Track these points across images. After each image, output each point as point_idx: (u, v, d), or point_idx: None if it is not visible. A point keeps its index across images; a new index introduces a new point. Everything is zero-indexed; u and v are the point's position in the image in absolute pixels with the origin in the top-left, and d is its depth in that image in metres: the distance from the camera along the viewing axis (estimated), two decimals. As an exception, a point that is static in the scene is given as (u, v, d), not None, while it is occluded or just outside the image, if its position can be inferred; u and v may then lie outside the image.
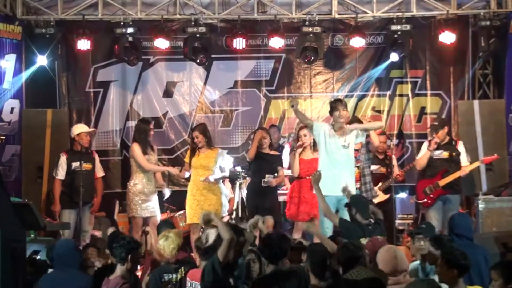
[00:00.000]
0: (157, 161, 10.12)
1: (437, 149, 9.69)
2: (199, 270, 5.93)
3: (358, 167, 9.39)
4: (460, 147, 9.83)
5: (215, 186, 9.54)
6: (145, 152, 9.73)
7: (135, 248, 6.09)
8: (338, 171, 8.58)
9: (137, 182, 9.73)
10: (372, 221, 7.30)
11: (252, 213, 9.49)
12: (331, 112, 8.77)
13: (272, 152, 9.84)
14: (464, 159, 9.76)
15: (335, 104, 8.73)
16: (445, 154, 9.67)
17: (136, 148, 9.77)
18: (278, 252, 6.03)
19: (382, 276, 5.16)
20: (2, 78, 11.13)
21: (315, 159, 9.26)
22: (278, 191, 10.05)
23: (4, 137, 7.26)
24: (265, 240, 6.28)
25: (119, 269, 6.01)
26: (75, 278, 6.14)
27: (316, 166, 9.18)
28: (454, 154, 9.65)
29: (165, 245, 6.76)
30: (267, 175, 9.52)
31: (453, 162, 9.66)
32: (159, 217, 9.97)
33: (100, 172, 10.25)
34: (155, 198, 9.88)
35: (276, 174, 9.63)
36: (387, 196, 10.07)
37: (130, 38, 11.41)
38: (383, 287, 4.50)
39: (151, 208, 9.78)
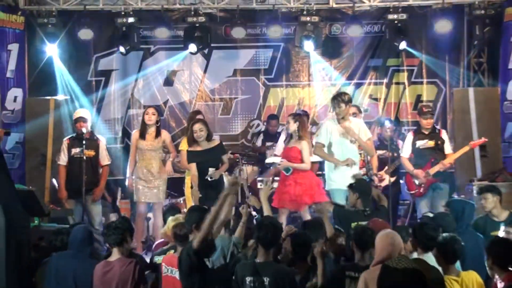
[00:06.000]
0: (153, 147, 9.83)
1: (422, 139, 9.76)
2: (175, 256, 6.00)
3: (360, 154, 9.52)
4: (444, 135, 9.90)
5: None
6: (142, 137, 9.85)
7: (130, 226, 6.23)
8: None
9: (138, 168, 9.86)
10: (368, 210, 7.48)
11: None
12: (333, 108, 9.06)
13: (210, 145, 9.16)
14: (447, 147, 9.83)
15: (333, 102, 9.07)
16: (430, 143, 9.72)
17: (133, 135, 10.08)
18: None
19: (425, 269, 4.84)
20: (5, 67, 11.30)
21: (294, 148, 9.11)
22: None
23: (9, 130, 7.35)
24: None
25: (118, 251, 6.02)
26: (84, 262, 6.20)
27: (293, 154, 9.10)
28: (439, 142, 9.71)
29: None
30: (210, 169, 9.02)
31: (440, 150, 9.72)
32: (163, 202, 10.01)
33: (105, 160, 9.86)
34: (159, 184, 9.86)
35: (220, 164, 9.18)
36: (393, 179, 10.16)
37: (124, 28, 11.50)
38: (423, 280, 4.19)
39: (154, 194, 9.85)
